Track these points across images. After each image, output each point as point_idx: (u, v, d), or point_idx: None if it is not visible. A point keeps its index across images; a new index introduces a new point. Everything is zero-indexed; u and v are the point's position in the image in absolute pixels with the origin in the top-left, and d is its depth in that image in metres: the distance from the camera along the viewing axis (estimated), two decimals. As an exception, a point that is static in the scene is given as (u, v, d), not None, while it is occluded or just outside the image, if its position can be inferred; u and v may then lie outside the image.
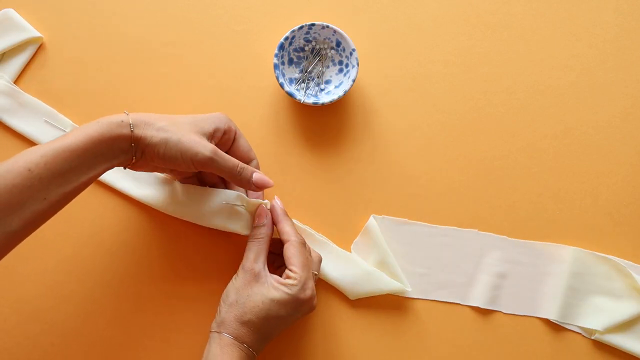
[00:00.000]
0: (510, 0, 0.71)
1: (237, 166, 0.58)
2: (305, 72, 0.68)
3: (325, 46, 0.68)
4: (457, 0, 0.71)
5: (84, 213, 0.67)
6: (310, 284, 0.57)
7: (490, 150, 0.69)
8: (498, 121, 0.70)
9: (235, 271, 0.60)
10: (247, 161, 0.62)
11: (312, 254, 0.61)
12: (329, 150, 0.69)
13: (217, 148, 0.56)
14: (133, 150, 0.54)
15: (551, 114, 0.70)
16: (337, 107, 0.70)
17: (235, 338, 0.55)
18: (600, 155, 0.69)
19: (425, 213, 0.68)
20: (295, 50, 0.69)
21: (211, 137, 0.58)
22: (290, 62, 0.69)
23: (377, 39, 0.71)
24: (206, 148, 0.55)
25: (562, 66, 0.71)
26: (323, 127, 0.70)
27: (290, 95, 0.65)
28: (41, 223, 0.51)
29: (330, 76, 0.69)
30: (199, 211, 0.62)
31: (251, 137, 0.69)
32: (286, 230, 0.60)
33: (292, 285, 0.56)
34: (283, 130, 0.70)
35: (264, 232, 0.60)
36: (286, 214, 0.62)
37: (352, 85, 0.66)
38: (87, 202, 0.67)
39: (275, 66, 0.66)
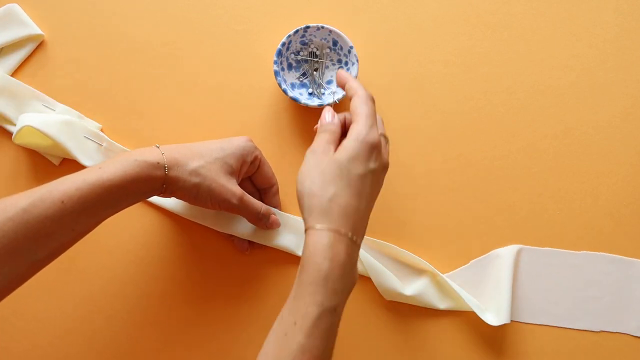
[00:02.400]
0: (510, 0, 0.71)
1: (260, 212, 0.61)
2: (315, 81, 0.68)
3: (322, 47, 0.68)
4: (457, 0, 0.71)
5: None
6: (376, 130, 0.51)
7: (490, 150, 0.69)
8: (498, 121, 0.70)
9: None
10: (269, 186, 0.66)
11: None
12: (329, 150, 0.69)
13: (244, 193, 0.59)
14: (164, 189, 0.55)
15: (551, 114, 0.70)
16: (337, 108, 0.70)
17: (326, 223, 0.47)
18: (600, 155, 0.69)
19: (425, 213, 0.68)
20: (293, 54, 0.69)
21: (239, 172, 0.60)
22: (290, 66, 0.69)
23: (377, 39, 0.71)
24: (235, 196, 0.58)
25: (562, 66, 0.71)
26: (323, 127, 0.70)
27: (294, 100, 0.65)
28: (65, 250, 0.52)
29: (331, 76, 0.69)
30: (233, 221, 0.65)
31: (252, 138, 0.69)
32: (354, 85, 0.55)
33: (359, 133, 0.50)
34: (283, 131, 0.70)
35: (332, 128, 0.53)
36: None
37: (353, 84, 0.66)
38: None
39: (276, 73, 0.66)
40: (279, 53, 0.66)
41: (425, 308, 0.66)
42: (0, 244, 0.46)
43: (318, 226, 0.47)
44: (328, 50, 0.69)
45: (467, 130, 0.70)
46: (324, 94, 0.69)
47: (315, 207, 0.48)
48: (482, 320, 0.63)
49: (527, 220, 0.68)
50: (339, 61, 0.69)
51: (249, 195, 0.60)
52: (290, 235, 0.66)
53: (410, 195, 0.69)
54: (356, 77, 0.66)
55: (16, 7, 0.70)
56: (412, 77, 0.70)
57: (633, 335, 0.66)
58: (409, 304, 0.66)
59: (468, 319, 0.66)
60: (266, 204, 0.65)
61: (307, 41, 0.68)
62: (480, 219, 0.68)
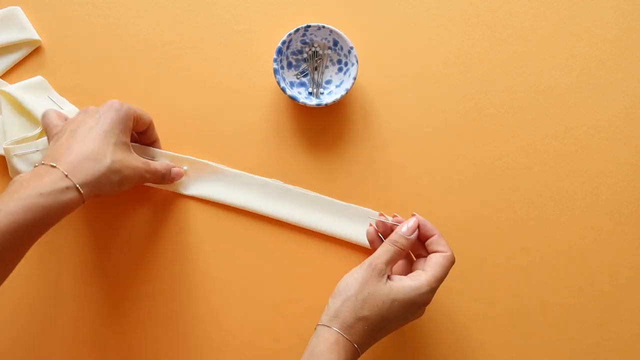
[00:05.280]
0: (510, 0, 0.71)
1: (162, 173, 0.62)
2: (314, 80, 0.68)
3: (323, 47, 0.68)
4: (457, 0, 0.71)
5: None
6: (431, 294, 0.56)
7: (490, 150, 0.69)
8: (498, 121, 0.70)
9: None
10: (147, 127, 0.64)
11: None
12: (328, 151, 0.69)
13: (147, 162, 0.60)
14: (83, 203, 0.53)
15: (551, 114, 0.70)
16: (336, 107, 0.70)
17: (346, 333, 0.53)
18: (600, 155, 0.69)
19: (425, 213, 0.68)
20: (293, 53, 0.69)
21: (130, 139, 0.60)
22: (290, 65, 0.69)
23: (377, 39, 0.71)
24: (145, 170, 0.59)
25: (562, 66, 0.71)
26: (323, 127, 0.70)
27: (293, 99, 0.66)
28: None
29: (331, 76, 0.69)
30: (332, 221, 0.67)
31: (251, 137, 0.69)
32: (442, 243, 0.58)
33: (420, 288, 0.55)
34: (283, 131, 0.70)
35: (405, 243, 0.57)
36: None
37: (353, 84, 0.66)
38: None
39: (276, 71, 0.66)
40: (279, 51, 0.66)
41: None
42: None
43: (335, 329, 0.53)
44: (329, 50, 0.69)
45: (467, 130, 0.70)
46: (322, 93, 0.69)
47: (342, 316, 0.53)
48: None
49: (527, 220, 0.68)
50: (339, 61, 0.69)
51: (150, 162, 0.61)
52: (207, 182, 0.67)
53: (410, 195, 0.69)
54: (356, 77, 0.66)
55: (18, 10, 0.70)
56: (412, 77, 0.70)
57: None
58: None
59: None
60: (146, 142, 0.66)
61: (307, 40, 0.68)
62: (480, 219, 0.68)
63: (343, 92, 0.66)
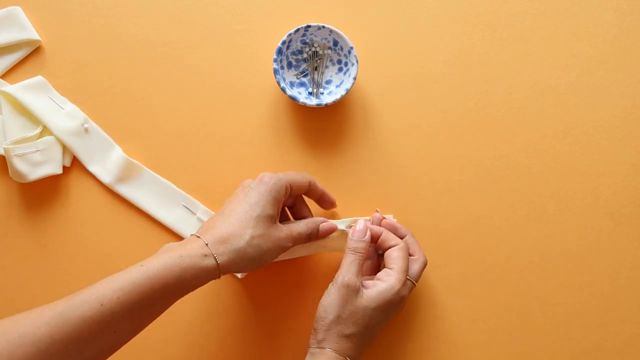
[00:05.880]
0: (510, 0, 0.71)
1: (307, 234, 0.60)
2: (314, 80, 0.68)
3: (324, 47, 0.68)
4: (457, 0, 0.71)
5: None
6: (405, 288, 0.59)
7: (490, 150, 0.69)
8: (498, 121, 0.70)
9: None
10: (320, 196, 0.64)
11: (418, 260, 0.62)
12: (328, 151, 0.69)
13: (290, 231, 0.58)
14: (219, 275, 0.54)
15: (551, 114, 0.70)
16: (336, 107, 0.70)
17: (339, 352, 0.55)
18: (601, 155, 0.69)
19: (425, 213, 0.68)
20: (293, 53, 0.69)
21: (279, 211, 0.59)
22: (290, 65, 0.69)
23: (377, 39, 0.71)
24: (287, 240, 0.58)
25: (562, 66, 0.71)
26: (323, 127, 0.70)
27: (293, 99, 0.66)
28: (111, 353, 0.50)
29: (331, 76, 0.69)
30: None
31: (251, 138, 0.69)
32: (391, 237, 0.62)
33: (393, 287, 0.57)
34: (283, 131, 0.70)
35: (364, 246, 0.60)
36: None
37: (353, 84, 0.66)
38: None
39: (276, 71, 0.66)
40: (279, 51, 0.66)
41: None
42: (36, 348, 0.45)
43: (328, 349, 0.55)
44: (329, 50, 0.69)
45: (467, 130, 0.70)
46: (322, 93, 0.69)
47: (330, 338, 0.56)
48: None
49: (527, 220, 0.68)
50: (339, 61, 0.69)
51: (293, 227, 0.59)
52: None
53: (410, 195, 0.69)
54: (356, 77, 0.66)
55: (18, 10, 0.70)
56: (412, 77, 0.70)
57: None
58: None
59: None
60: (314, 199, 0.65)
61: (307, 40, 0.68)
62: (480, 219, 0.68)
63: (343, 92, 0.66)
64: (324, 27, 0.66)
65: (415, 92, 0.70)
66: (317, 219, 0.62)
